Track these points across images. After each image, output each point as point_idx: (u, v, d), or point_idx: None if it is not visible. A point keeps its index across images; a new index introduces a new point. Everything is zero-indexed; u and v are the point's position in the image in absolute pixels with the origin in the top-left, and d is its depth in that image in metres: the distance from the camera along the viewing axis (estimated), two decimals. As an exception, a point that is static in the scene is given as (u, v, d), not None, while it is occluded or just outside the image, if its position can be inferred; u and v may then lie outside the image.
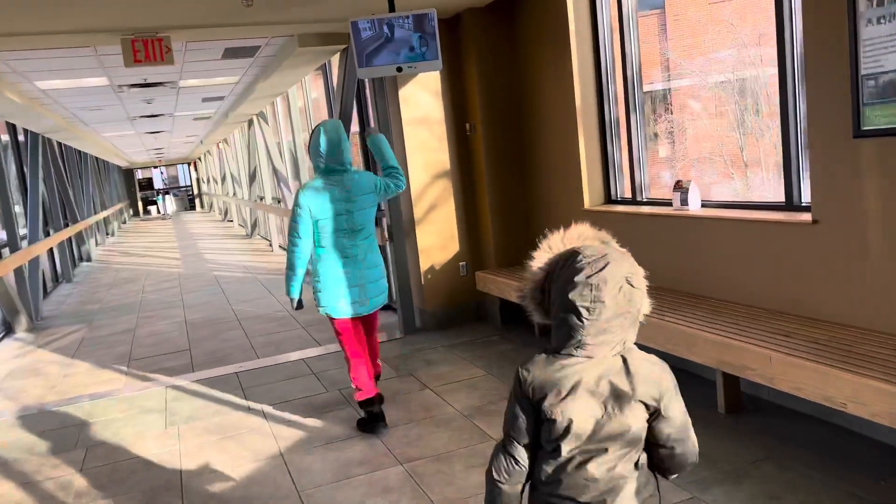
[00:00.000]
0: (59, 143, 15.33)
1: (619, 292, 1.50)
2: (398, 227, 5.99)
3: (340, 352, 4.48)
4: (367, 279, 4.04)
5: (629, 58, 4.83)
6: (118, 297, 10.13)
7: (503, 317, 5.96)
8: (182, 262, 13.74)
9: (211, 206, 31.72)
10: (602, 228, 1.73)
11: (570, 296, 1.51)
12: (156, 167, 36.52)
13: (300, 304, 4.12)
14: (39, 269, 9.32)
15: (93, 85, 7.65)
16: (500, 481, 1.62)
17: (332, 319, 4.06)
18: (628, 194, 5.12)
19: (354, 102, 7.22)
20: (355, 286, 3.99)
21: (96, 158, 21.81)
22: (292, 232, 3.93)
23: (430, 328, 6.09)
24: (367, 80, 6.38)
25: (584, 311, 1.50)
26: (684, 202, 4.35)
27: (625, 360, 1.55)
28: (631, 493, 1.57)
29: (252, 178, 15.61)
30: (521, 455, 1.61)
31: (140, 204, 36.65)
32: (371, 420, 4.08)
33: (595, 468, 1.55)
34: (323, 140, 3.94)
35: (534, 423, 1.58)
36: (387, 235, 6.04)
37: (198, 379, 5.48)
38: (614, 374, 1.53)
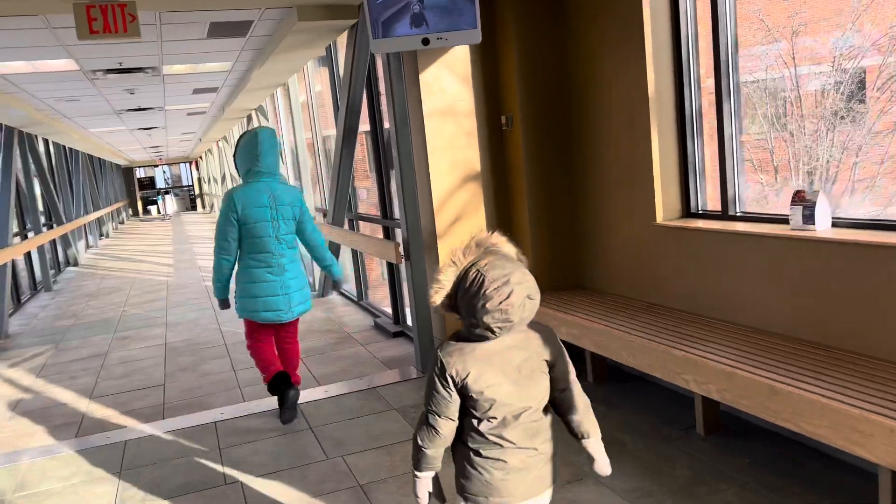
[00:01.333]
0: (46, 141, 14.32)
1: (523, 309, 1.79)
2: (416, 241, 4.90)
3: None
4: (292, 288, 4.16)
5: (723, 36, 3.73)
6: (96, 311, 9.06)
7: (544, 353, 4.87)
8: (174, 269, 12.67)
9: (212, 207, 30.71)
10: (509, 234, 2.03)
11: (483, 318, 1.78)
12: (156, 166, 35.52)
13: (227, 304, 4.27)
14: (5, 281, 8.25)
15: (61, 69, 6.58)
16: (423, 447, 1.92)
17: (249, 322, 4.23)
18: (714, 207, 4.02)
19: (364, 93, 6.14)
20: (281, 295, 4.12)
21: (90, 156, 20.78)
22: (221, 235, 4.02)
23: (453, 365, 5.00)
24: (380, 63, 5.30)
25: (496, 330, 1.80)
26: (808, 220, 3.25)
27: (527, 332, 1.91)
28: (546, 437, 1.93)
29: (251, 178, 14.55)
30: (442, 426, 1.89)
31: (140, 204, 35.65)
32: (278, 391, 4.20)
33: (515, 427, 1.87)
34: (257, 144, 4.01)
35: (456, 400, 1.86)
36: (402, 252, 4.95)
37: (167, 430, 4.38)
38: (520, 346, 1.88)
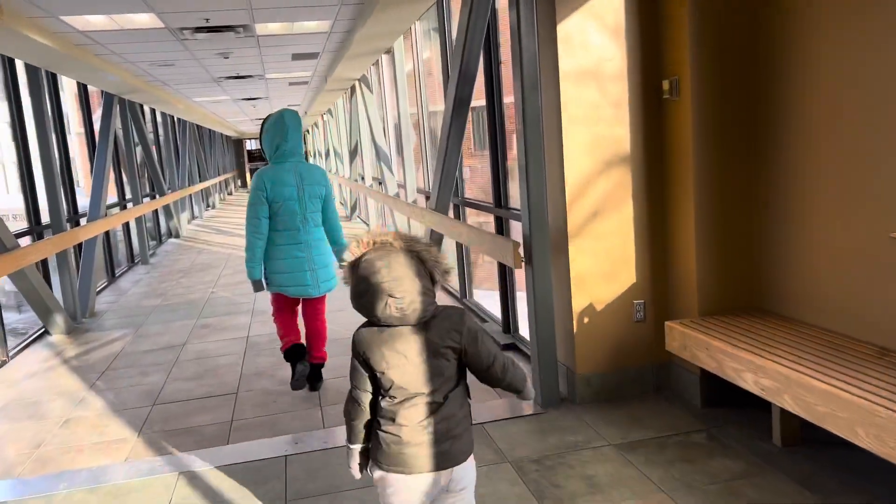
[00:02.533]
0: (153, 111, 14.16)
1: (387, 309, 1.90)
2: (541, 241, 3.83)
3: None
4: (319, 265, 4.30)
5: None
6: (185, 290, 8.55)
7: (706, 396, 3.71)
8: (270, 246, 12.17)
9: (316, 181, 30.68)
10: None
11: (360, 311, 1.98)
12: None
13: (260, 286, 4.35)
14: (94, 255, 7.83)
15: (144, 26, 5.90)
16: (349, 419, 2.09)
17: (277, 296, 4.40)
18: None
19: (481, 56, 5.09)
20: (309, 271, 4.26)
21: (198, 127, 20.87)
22: (251, 215, 4.17)
23: (584, 400, 3.91)
24: (503, 21, 4.24)
25: (362, 299, 1.93)
26: None
27: (433, 316, 1.97)
28: (447, 414, 1.99)
29: (353, 154, 13.85)
30: (361, 399, 2.05)
31: (248, 175, 36.28)
32: (295, 359, 4.40)
33: (410, 407, 1.97)
34: (284, 127, 4.17)
35: (371, 376, 2.01)
36: (522, 255, 3.90)
37: (226, 462, 3.55)
38: (423, 332, 1.95)
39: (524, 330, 5.22)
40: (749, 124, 3.61)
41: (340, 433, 3.74)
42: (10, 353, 6.01)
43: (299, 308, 4.55)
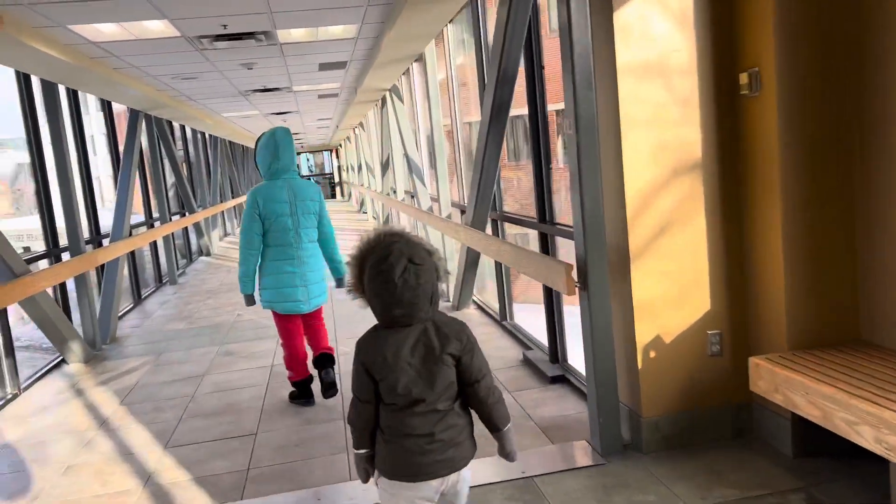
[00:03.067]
0: (182, 126, 13.97)
1: (404, 271, 1.91)
2: (598, 263, 3.29)
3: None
4: (311, 281, 4.35)
5: None
6: (211, 312, 8.18)
7: (800, 444, 3.13)
8: (301, 263, 11.78)
9: (350, 196, 30.48)
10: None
11: (371, 283, 1.96)
12: (298, 154, 35.93)
13: (252, 301, 4.45)
14: (116, 278, 7.50)
15: (159, 35, 5.54)
16: (354, 426, 2.10)
17: (274, 314, 4.46)
18: None
19: (522, 55, 4.60)
20: (300, 286, 4.31)
21: (229, 142, 20.75)
22: (245, 230, 4.26)
23: (651, 449, 3.35)
24: (547, 18, 3.73)
25: (384, 293, 1.93)
26: None
27: (435, 324, 2.00)
28: (452, 423, 2.01)
29: (385, 167, 13.45)
30: (363, 408, 2.04)
31: (282, 191, 36.23)
32: (301, 395, 4.58)
33: (420, 413, 1.98)
34: (274, 143, 4.26)
35: (372, 384, 2.00)
36: (575, 279, 3.36)
37: (239, 523, 3.09)
38: (426, 338, 1.98)
39: (575, 358, 4.67)
40: (847, 123, 3.04)
41: (371, 488, 3.24)
42: (24, 385, 5.66)
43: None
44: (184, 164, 13.49)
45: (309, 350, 4.60)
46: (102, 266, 7.50)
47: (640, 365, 3.32)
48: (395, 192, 12.46)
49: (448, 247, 7.45)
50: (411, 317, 1.95)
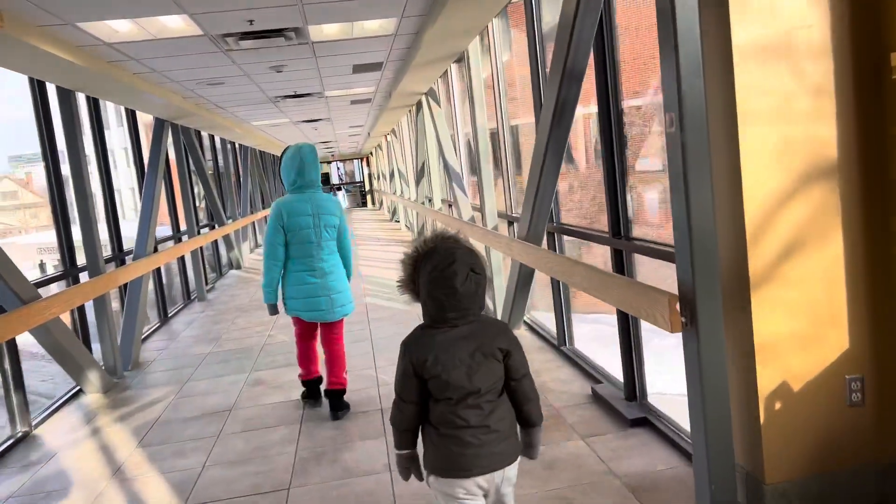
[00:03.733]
0: (211, 137, 13.58)
1: (466, 280, 2.01)
2: (708, 291, 2.62)
3: None
4: (334, 290, 4.51)
5: None
6: (240, 333, 7.65)
7: (982, 526, 2.44)
8: (334, 277, 11.24)
9: (381, 204, 30.02)
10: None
11: (431, 286, 2.03)
12: (329, 162, 35.66)
13: (275, 310, 4.63)
14: (139, 299, 7.02)
15: (179, 33, 5.02)
16: (396, 427, 2.15)
17: (296, 320, 4.65)
18: None
19: (592, 41, 3.97)
20: (323, 296, 4.47)
21: (261, 152, 20.40)
22: (270, 242, 4.42)
23: (777, 524, 2.69)
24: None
25: (443, 298, 2.02)
26: None
27: (481, 323, 2.08)
28: (501, 417, 2.07)
29: (420, 174, 12.89)
30: (406, 408, 2.10)
31: (313, 200, 35.93)
32: (310, 395, 4.83)
33: (471, 408, 2.03)
34: (300, 159, 4.42)
35: (419, 383, 2.06)
36: (679, 310, 2.71)
37: None
38: (474, 335, 2.05)
39: (659, 396, 4.01)
40: None
41: (427, 574, 2.62)
42: (36, 421, 5.16)
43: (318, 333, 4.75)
44: (213, 175, 13.07)
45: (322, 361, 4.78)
46: (126, 284, 7.03)
47: (761, 418, 2.67)
48: (430, 200, 11.89)
49: (493, 260, 6.82)
50: (463, 319, 2.05)
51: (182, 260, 10.24)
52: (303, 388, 4.93)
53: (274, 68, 6.76)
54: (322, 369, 4.80)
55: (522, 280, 5.59)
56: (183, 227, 10.22)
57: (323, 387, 4.75)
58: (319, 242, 4.45)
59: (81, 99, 6.49)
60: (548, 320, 6.29)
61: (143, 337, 7.91)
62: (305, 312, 4.50)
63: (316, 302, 4.47)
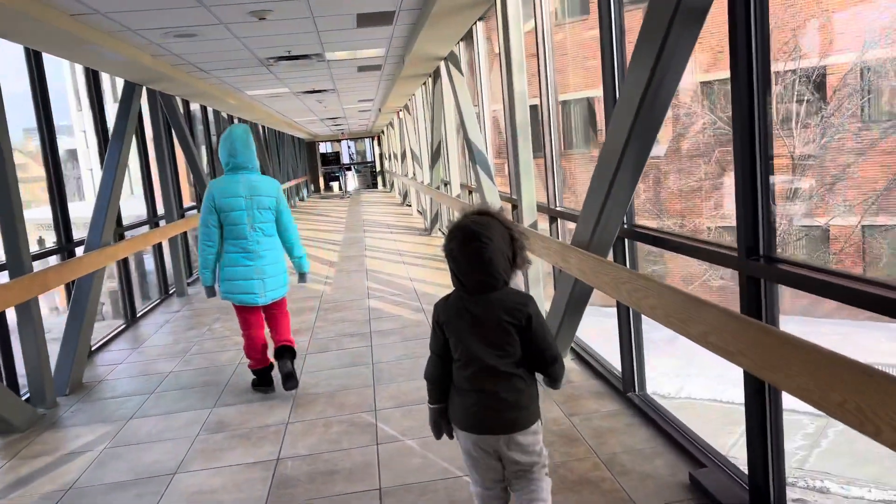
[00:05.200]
0: (204, 109, 12.16)
1: (471, 241, 2.11)
2: None
3: None
4: (267, 274, 4.45)
5: None
6: (214, 343, 6.27)
7: None
8: (335, 270, 9.85)
9: (392, 186, 28.57)
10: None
11: (447, 256, 2.19)
12: (338, 140, 34.19)
13: (212, 292, 4.58)
14: (90, 301, 5.64)
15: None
16: (429, 381, 2.31)
17: (237, 308, 4.59)
18: None
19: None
20: (256, 279, 4.41)
21: (263, 127, 18.98)
22: (203, 223, 4.38)
23: None
24: None
25: (454, 268, 2.18)
26: None
27: (504, 294, 2.17)
28: (513, 385, 2.16)
29: (435, 155, 11.42)
30: (435, 360, 2.28)
31: (321, 180, 34.55)
32: (262, 383, 4.76)
33: (484, 372, 2.15)
34: (232, 140, 4.38)
35: (442, 340, 2.24)
36: None
37: None
38: (492, 304, 2.15)
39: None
40: None
41: None
42: (-85, 477, 3.80)
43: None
44: (200, 152, 11.68)
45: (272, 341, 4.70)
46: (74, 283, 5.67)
47: None
48: (447, 185, 10.44)
49: (535, 269, 5.40)
50: (481, 287, 2.15)
51: (159, 248, 8.85)
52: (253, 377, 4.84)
53: (255, 14, 5.29)
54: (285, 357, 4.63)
55: (575, 301, 4.15)
56: (161, 210, 8.82)
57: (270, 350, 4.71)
58: (253, 224, 4.39)
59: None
60: (603, 346, 4.86)
61: (98, 345, 6.56)
62: (238, 295, 4.46)
63: (249, 285, 4.42)
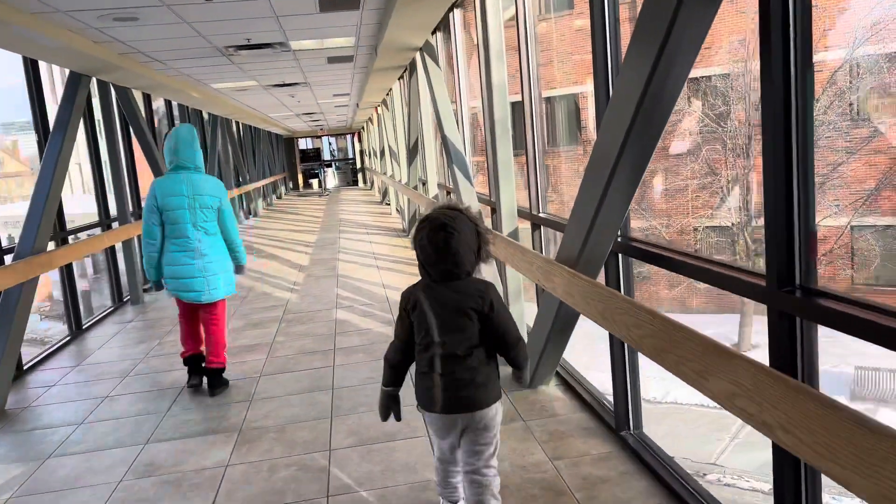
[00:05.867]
0: (168, 103, 11.49)
1: (439, 231, 2.29)
2: None
3: None
4: (209, 272, 4.48)
5: None
6: (161, 361, 5.65)
7: None
8: (304, 276, 9.24)
9: (372, 183, 27.94)
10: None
11: (415, 246, 2.37)
12: (318, 136, 33.45)
13: (159, 286, 4.65)
14: (17, 318, 5.02)
15: None
16: (387, 364, 2.51)
17: (176, 299, 4.64)
18: None
19: None
20: (199, 277, 4.44)
21: (236, 123, 18.29)
22: (145, 220, 4.43)
23: None
24: None
25: (420, 254, 2.36)
26: None
27: (466, 283, 2.36)
28: (471, 367, 2.33)
29: (413, 153, 10.84)
30: (399, 348, 2.47)
31: (300, 177, 33.80)
32: (191, 372, 4.78)
33: (443, 354, 2.34)
34: (175, 139, 4.43)
35: (407, 324, 2.43)
36: None
37: None
38: (454, 292, 2.34)
39: None
40: None
41: None
42: None
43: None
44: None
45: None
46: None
47: None
48: (424, 184, 9.88)
49: (511, 280, 4.84)
50: (447, 276, 2.33)
51: (112, 252, 8.20)
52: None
53: (201, -6, 4.69)
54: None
55: (562, 323, 3.60)
56: (114, 212, 8.16)
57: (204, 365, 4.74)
58: (195, 223, 4.42)
59: None
60: (592, 372, 4.33)
61: (34, 362, 5.93)
62: (182, 293, 4.49)
63: (190, 283, 4.45)
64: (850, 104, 13.80)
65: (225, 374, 4.86)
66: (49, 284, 14.22)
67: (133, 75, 7.64)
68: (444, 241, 2.27)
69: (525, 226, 4.84)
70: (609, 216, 2.86)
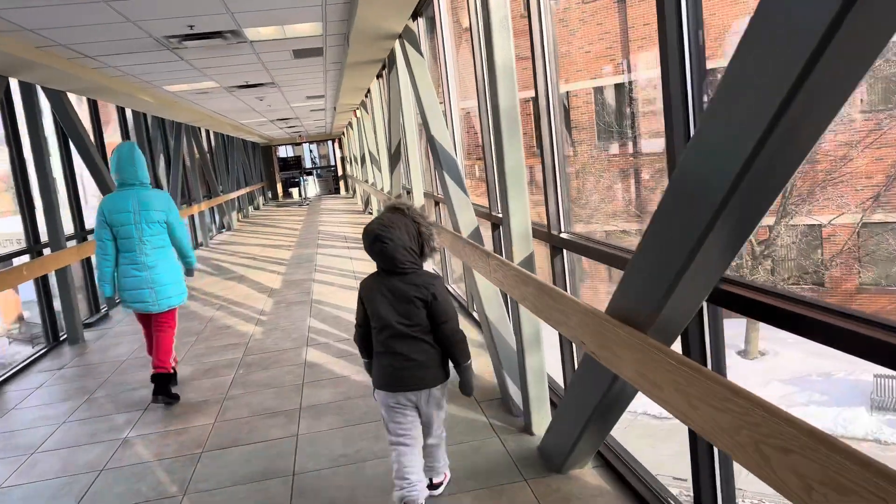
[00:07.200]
0: (121, 110, 10.31)
1: (374, 242, 2.61)
2: None
3: None
4: (158, 283, 4.63)
5: None
6: (81, 429, 4.46)
7: None
8: (273, 300, 8.08)
9: (354, 191, 26.77)
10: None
11: (366, 237, 2.66)
12: (297, 144, 32.24)
13: (113, 302, 5.04)
14: None
15: None
16: (357, 343, 2.86)
17: (135, 314, 4.87)
18: None
19: None
20: (147, 288, 4.61)
21: (208, 132, 17.10)
22: (97, 236, 4.60)
23: None
24: None
25: (370, 254, 2.66)
26: None
27: (414, 275, 2.66)
28: (419, 348, 2.66)
29: (395, 158, 9.70)
30: (358, 330, 2.82)
31: (280, 186, 32.55)
32: (158, 391, 4.70)
33: (397, 337, 2.65)
34: (117, 157, 4.58)
35: (365, 314, 2.75)
36: None
37: None
38: (403, 283, 2.64)
39: None
40: None
41: None
42: None
43: None
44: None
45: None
46: None
47: None
48: (409, 193, 8.75)
49: (526, 327, 3.74)
50: (391, 267, 2.64)
51: (44, 282, 7.01)
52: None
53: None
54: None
55: (611, 401, 2.49)
56: (45, 236, 6.97)
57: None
58: (142, 237, 4.55)
59: None
60: (645, 450, 3.22)
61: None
62: (133, 304, 4.64)
63: (140, 294, 4.59)
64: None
65: (158, 449, 3.72)
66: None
67: (62, 75, 6.47)
68: (380, 250, 2.61)
69: (539, 248, 3.74)
70: (710, 259, 1.76)
